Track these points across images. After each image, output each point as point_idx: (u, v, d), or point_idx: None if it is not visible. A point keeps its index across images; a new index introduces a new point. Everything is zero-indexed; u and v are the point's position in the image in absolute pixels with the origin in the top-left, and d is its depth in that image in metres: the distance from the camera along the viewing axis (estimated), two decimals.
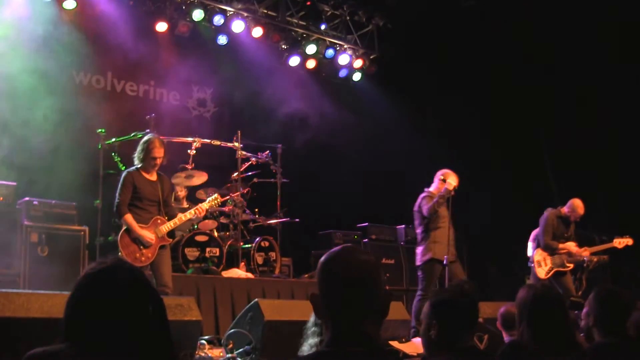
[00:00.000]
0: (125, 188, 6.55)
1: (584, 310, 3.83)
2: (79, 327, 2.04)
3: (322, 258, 2.14)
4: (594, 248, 8.83)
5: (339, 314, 2.04)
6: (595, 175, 10.95)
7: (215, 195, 7.49)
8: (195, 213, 6.99)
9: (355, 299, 2.03)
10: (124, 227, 6.53)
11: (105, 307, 2.03)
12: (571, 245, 8.59)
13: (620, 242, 8.74)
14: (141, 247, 6.48)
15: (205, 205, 7.14)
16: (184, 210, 8.07)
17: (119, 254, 6.47)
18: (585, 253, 8.64)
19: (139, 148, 6.71)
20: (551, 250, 8.55)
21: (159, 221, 6.67)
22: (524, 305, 3.27)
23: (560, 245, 8.58)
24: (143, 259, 6.45)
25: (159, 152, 6.63)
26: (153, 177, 6.75)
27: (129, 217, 6.49)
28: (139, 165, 6.69)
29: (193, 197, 8.92)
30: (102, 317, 2.02)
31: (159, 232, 6.60)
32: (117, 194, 6.58)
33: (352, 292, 2.03)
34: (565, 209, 8.68)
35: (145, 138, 6.78)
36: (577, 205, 8.64)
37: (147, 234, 6.49)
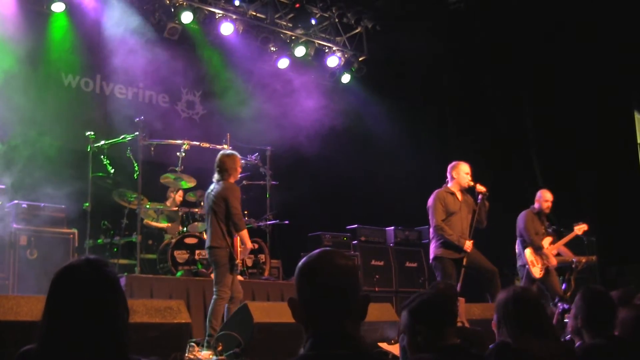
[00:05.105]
0: (240, 201, 6.73)
1: (572, 311, 3.85)
2: (46, 328, 2.15)
3: (300, 262, 2.13)
4: (559, 243, 8.74)
5: (318, 318, 2.03)
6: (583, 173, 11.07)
7: None
8: None
9: (333, 303, 2.02)
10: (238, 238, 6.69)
11: (65, 307, 2.15)
12: (548, 254, 8.54)
13: (579, 229, 8.76)
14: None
15: None
16: (173, 214, 8.10)
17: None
18: (553, 261, 8.57)
19: (229, 163, 6.77)
20: (538, 249, 8.51)
21: None
22: (502, 307, 3.31)
23: None
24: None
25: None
26: None
27: (246, 233, 6.72)
28: (231, 180, 6.79)
29: (184, 200, 8.92)
30: (62, 317, 2.14)
31: None
32: (234, 206, 6.60)
33: (331, 296, 2.03)
34: (536, 205, 8.65)
35: (229, 153, 6.96)
36: (545, 196, 8.63)
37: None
